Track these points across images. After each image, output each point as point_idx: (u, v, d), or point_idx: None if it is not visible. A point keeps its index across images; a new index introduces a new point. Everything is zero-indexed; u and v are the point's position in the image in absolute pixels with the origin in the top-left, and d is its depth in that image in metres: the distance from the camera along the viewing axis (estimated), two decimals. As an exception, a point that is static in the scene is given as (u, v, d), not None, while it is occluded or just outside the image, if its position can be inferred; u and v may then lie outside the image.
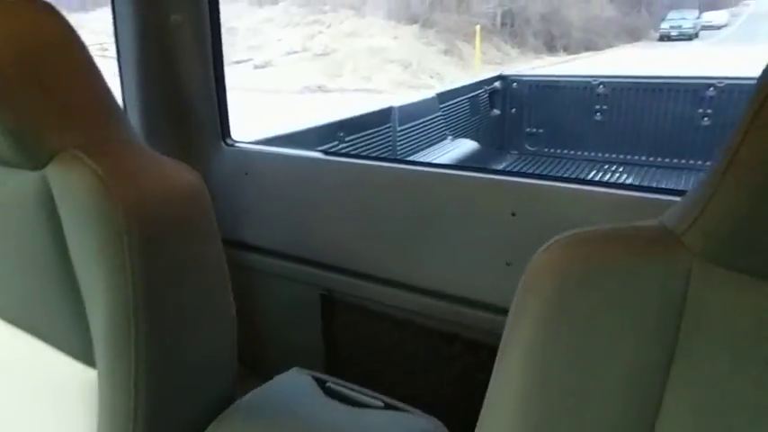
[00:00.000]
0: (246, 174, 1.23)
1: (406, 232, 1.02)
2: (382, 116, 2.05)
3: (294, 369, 0.62)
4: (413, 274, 1.03)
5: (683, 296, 0.36)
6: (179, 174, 0.58)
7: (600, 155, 2.84)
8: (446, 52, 13.12)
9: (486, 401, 0.42)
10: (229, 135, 1.27)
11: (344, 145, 1.79)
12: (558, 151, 2.95)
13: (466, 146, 2.48)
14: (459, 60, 13.21)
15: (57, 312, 0.60)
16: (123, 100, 1.18)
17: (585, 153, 2.89)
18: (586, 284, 0.38)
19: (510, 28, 15.44)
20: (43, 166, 0.54)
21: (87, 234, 0.52)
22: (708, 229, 0.35)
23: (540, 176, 0.89)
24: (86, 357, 0.58)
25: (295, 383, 0.59)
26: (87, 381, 0.57)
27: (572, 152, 2.93)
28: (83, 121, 0.55)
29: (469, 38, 13.67)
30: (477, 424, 0.42)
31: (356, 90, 10.03)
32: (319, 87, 10.38)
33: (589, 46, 15.95)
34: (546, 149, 2.98)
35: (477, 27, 13.29)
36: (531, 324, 0.39)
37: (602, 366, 0.38)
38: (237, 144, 1.27)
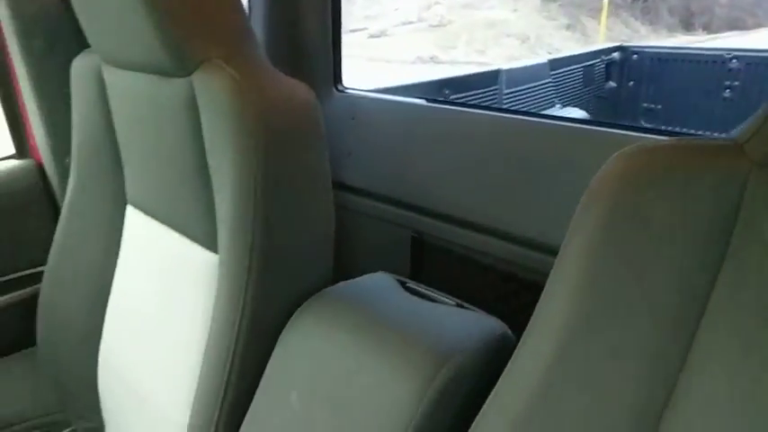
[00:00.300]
0: (353, 119, 1.32)
1: (502, 180, 1.06)
2: (489, 78, 2.06)
3: (380, 272, 0.70)
4: (504, 222, 1.07)
5: (738, 202, 0.38)
6: (299, 90, 0.67)
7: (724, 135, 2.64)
8: (568, 27, 12.52)
9: (543, 294, 0.46)
10: (341, 81, 1.36)
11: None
12: (677, 129, 2.79)
13: (574, 115, 2.42)
14: (582, 36, 12.55)
15: (191, 206, 0.72)
16: (252, 42, 1.31)
17: (708, 133, 2.70)
18: (647, 188, 0.41)
19: (642, 2, 14.39)
20: (190, 73, 0.65)
21: (223, 133, 0.63)
22: (766, 137, 0.37)
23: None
24: (211, 245, 0.70)
25: (379, 280, 0.67)
26: (210, 265, 0.69)
27: (692, 131, 2.76)
28: (224, 35, 0.65)
29: (595, 12, 12.93)
30: (534, 313, 0.47)
31: (468, 63, 9.90)
32: (431, 58, 10.34)
33: (734, 24, 14.42)
34: (663, 127, 2.83)
35: (605, 0, 12.51)
36: (593, 224, 0.43)
37: (656, 265, 0.41)
38: (347, 90, 1.36)
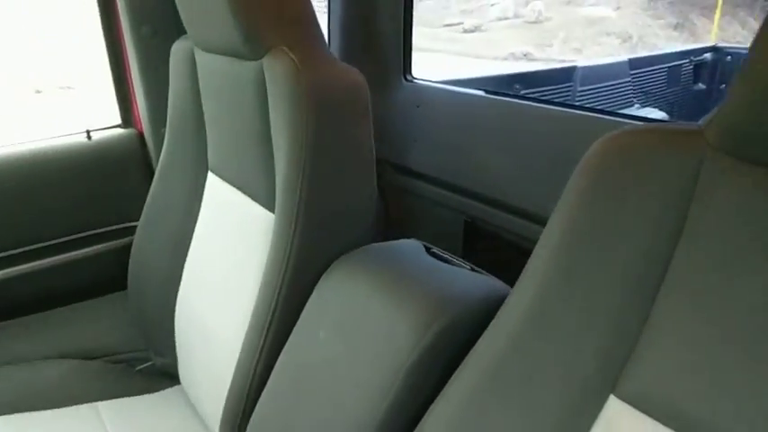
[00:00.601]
0: (418, 107, 1.41)
1: (551, 171, 1.10)
2: (564, 74, 2.06)
3: (412, 239, 0.78)
4: (551, 211, 1.12)
5: (696, 179, 0.44)
6: (350, 74, 0.77)
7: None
8: (676, 27, 11.80)
9: (531, 256, 0.53)
10: (410, 72, 1.45)
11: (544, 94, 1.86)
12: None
13: (652, 116, 2.36)
14: (690, 36, 11.79)
15: (256, 171, 0.84)
16: (328, 28, 1.43)
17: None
18: (622, 167, 0.48)
19: (764, 0, 13.32)
20: (260, 57, 0.77)
21: (282, 109, 0.74)
22: (723, 122, 0.42)
23: None
24: (269, 205, 0.81)
25: (408, 244, 0.75)
26: (267, 222, 0.81)
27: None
28: (290, 26, 0.76)
29: (708, 11, 12.10)
30: (522, 272, 0.54)
31: (562, 61, 9.63)
32: (525, 55, 10.13)
33: None
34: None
35: (720, -2, 11.68)
36: (576, 197, 0.50)
37: (625, 234, 0.47)
38: (415, 80, 1.45)
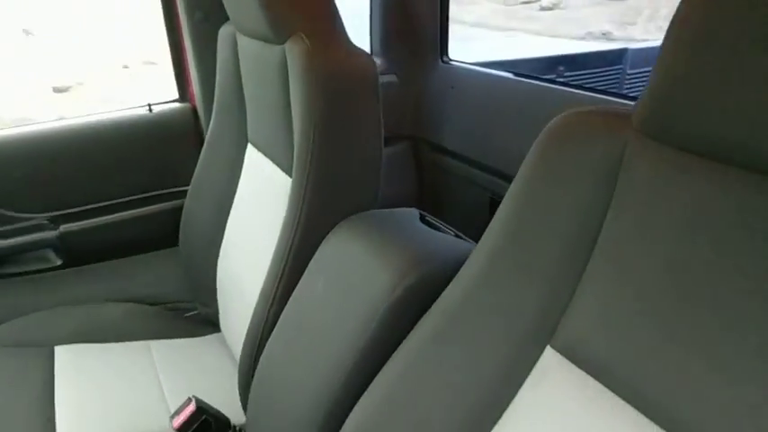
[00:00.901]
0: (453, 87, 1.47)
1: None
2: (613, 57, 2.03)
3: (412, 208, 0.87)
4: None
5: (621, 158, 0.50)
6: (360, 59, 0.85)
7: None
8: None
9: (493, 217, 0.60)
10: (446, 53, 1.51)
11: (562, 80, 1.86)
12: None
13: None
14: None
15: (280, 141, 0.94)
16: (370, 13, 1.51)
17: None
18: (563, 143, 0.54)
19: None
20: (283, 42, 0.87)
21: (298, 87, 0.84)
22: (642, 108, 0.48)
23: None
24: (290, 171, 0.92)
25: (405, 212, 0.84)
26: (287, 186, 0.91)
27: None
28: (309, 16, 0.86)
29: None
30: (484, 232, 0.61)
31: (644, 40, 9.17)
32: (604, 35, 9.72)
33: None
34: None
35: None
36: (527, 167, 0.56)
37: (562, 203, 0.53)
38: (451, 62, 1.51)
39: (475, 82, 1.43)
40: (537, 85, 1.25)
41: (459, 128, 1.47)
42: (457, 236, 0.77)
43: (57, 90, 5.10)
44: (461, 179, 1.50)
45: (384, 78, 1.52)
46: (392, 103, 1.55)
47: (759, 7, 0.37)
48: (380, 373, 0.64)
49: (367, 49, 1.58)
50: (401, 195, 1.63)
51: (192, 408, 0.85)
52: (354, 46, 0.89)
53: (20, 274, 1.30)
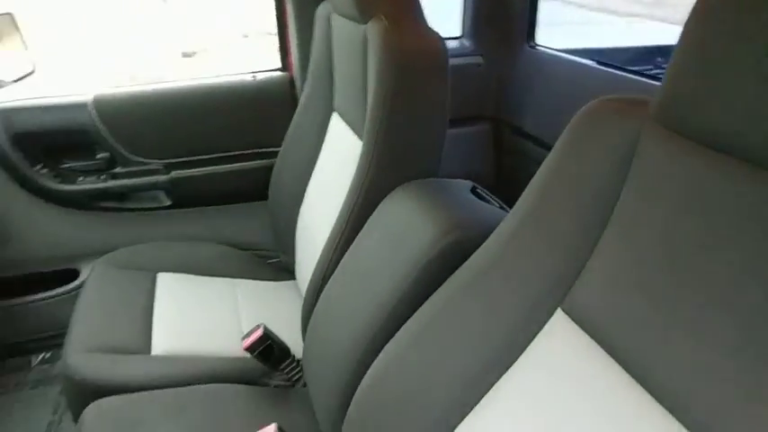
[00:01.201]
0: (539, 73, 1.50)
1: None
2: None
3: (467, 180, 0.94)
4: None
5: (636, 144, 0.55)
6: (431, 39, 0.93)
7: None
8: None
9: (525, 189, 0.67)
10: (533, 39, 1.54)
11: (659, 71, 1.79)
12: None
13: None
14: None
15: (357, 110, 1.05)
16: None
17: None
18: (589, 126, 0.59)
19: None
20: (366, 22, 0.97)
21: (374, 64, 0.93)
22: (657, 99, 0.53)
23: None
24: (361, 135, 1.03)
25: (459, 183, 0.92)
26: (358, 148, 1.02)
27: None
28: (391, 0, 0.95)
29: None
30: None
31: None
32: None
33: None
34: None
35: None
36: (558, 147, 0.62)
37: (584, 181, 0.58)
38: (538, 47, 1.54)
39: (559, 69, 1.46)
40: (620, 75, 1.27)
41: (540, 113, 1.51)
42: (501, 207, 0.84)
43: (185, 55, 5.58)
44: (539, 164, 1.53)
45: (470, 59, 1.59)
46: (476, 84, 1.61)
47: None
48: (412, 317, 0.74)
49: (458, 31, 1.65)
50: (479, 174, 1.69)
51: (259, 333, 0.99)
52: (429, 29, 0.97)
53: (136, 209, 1.53)
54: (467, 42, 1.61)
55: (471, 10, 1.57)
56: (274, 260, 1.53)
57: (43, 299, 1.50)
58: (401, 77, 0.90)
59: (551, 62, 1.48)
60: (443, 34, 0.95)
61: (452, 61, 0.93)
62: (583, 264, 0.58)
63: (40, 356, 1.57)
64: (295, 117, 1.35)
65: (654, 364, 0.48)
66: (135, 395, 0.96)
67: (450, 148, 1.58)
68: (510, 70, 1.59)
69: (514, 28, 1.54)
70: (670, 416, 0.47)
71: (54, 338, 1.24)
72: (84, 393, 0.98)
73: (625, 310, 0.52)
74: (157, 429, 0.90)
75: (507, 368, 0.63)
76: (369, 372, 0.75)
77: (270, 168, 1.43)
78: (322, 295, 0.95)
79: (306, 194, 1.30)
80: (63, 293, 1.50)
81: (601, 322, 0.55)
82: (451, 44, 1.61)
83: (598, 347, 0.54)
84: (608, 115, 0.58)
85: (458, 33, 1.64)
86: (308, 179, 1.29)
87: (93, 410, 0.94)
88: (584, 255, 0.58)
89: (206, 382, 1.00)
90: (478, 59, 1.58)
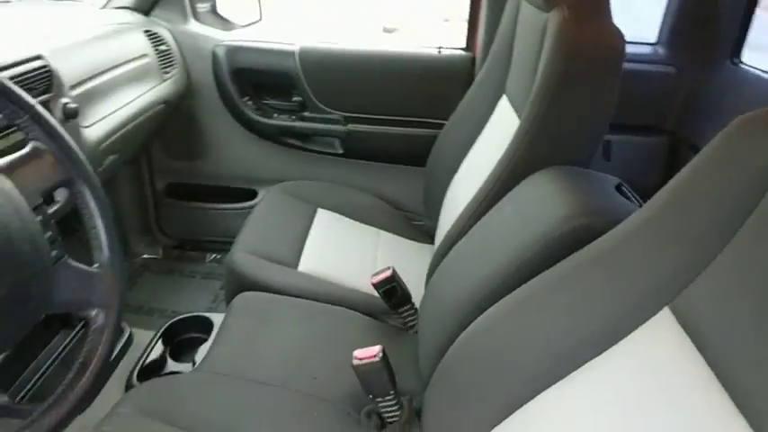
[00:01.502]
0: (739, 93, 1.40)
1: None
2: None
3: (616, 177, 0.94)
4: None
5: None
6: (609, 35, 0.94)
7: None
8: None
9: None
10: (738, 56, 1.43)
11: None
12: None
13: None
14: None
15: (521, 91, 1.09)
16: (667, 3, 1.51)
17: None
18: (739, 137, 0.58)
19: None
20: (549, 10, 1.00)
21: (548, 48, 0.96)
22: None
23: None
24: (520, 113, 1.07)
25: (606, 177, 0.92)
26: (516, 124, 1.06)
27: None
28: None
29: None
30: None
31: None
32: None
33: None
34: None
35: None
36: (708, 149, 0.62)
37: (726, 190, 0.58)
38: (743, 65, 1.43)
39: (761, 91, 1.35)
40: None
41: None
42: (641, 205, 0.85)
43: (386, 30, 5.91)
44: None
45: (661, 68, 1.52)
46: (661, 94, 1.54)
47: None
48: (523, 285, 0.78)
49: (654, 37, 1.58)
50: (642, 186, 1.62)
51: (388, 273, 1.11)
52: (611, 24, 0.98)
53: (313, 151, 1.75)
54: (661, 50, 1.54)
55: (672, 18, 1.50)
56: (419, 223, 1.64)
57: (225, 209, 1.79)
58: (570, 65, 0.93)
59: (757, 83, 1.37)
60: (639, 39, 0.94)
61: (641, 67, 0.93)
62: (703, 267, 0.58)
63: (213, 256, 1.88)
64: (467, 94, 1.43)
65: (755, 386, 0.47)
66: (277, 296, 1.13)
67: (619, 152, 1.54)
68: (704, 86, 1.50)
69: (718, 42, 1.45)
70: None
71: (225, 244, 1.48)
72: (238, 284, 1.18)
73: (736, 324, 0.52)
74: (286, 327, 1.06)
75: (600, 352, 0.64)
76: (470, 326, 0.81)
77: (434, 138, 1.52)
78: (449, 254, 1.03)
79: (460, 168, 1.37)
80: (241, 209, 1.77)
81: (708, 330, 0.54)
82: (644, 50, 1.55)
83: (698, 354, 0.54)
84: (760, 130, 0.57)
85: (653, 40, 1.58)
86: (465, 155, 1.36)
87: (241, 300, 1.13)
88: (704, 262, 0.58)
89: (335, 305, 1.14)
90: (670, 69, 1.51)
